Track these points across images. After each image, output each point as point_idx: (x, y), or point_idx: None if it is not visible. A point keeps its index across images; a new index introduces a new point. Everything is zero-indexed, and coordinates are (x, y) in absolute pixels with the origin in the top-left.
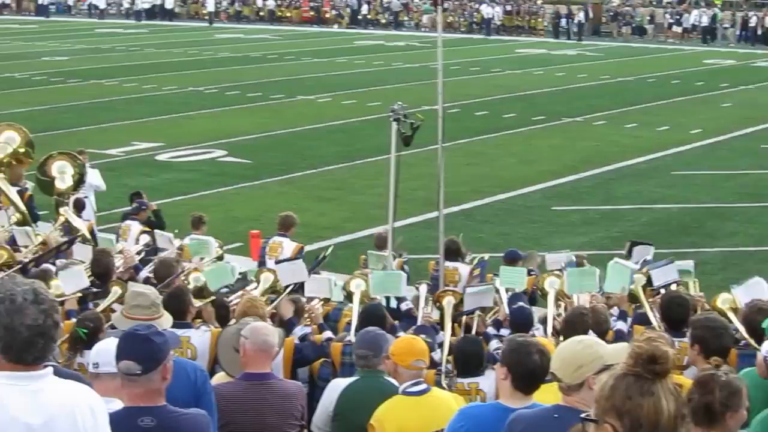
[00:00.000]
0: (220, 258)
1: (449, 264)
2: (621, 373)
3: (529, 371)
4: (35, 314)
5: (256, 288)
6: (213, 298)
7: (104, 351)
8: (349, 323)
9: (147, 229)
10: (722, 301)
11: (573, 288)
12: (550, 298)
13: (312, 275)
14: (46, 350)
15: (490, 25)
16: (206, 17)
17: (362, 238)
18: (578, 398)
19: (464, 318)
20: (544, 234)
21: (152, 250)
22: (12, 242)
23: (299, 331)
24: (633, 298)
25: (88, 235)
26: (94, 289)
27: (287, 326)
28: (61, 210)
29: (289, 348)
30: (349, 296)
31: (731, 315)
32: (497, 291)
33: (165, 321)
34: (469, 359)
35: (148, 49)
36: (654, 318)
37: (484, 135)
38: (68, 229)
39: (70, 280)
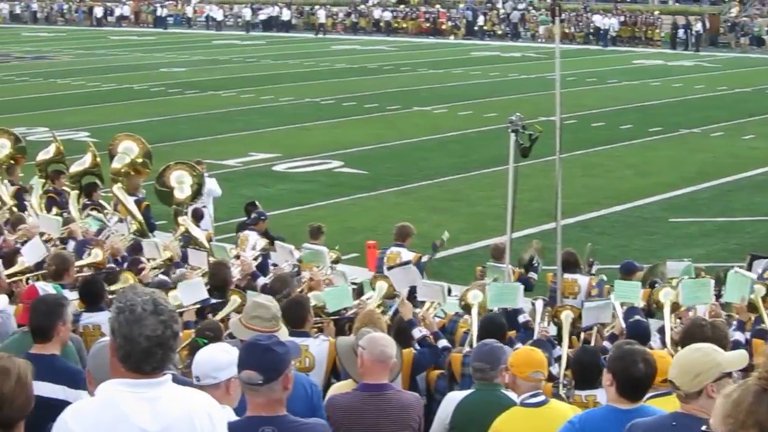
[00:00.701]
0: (336, 261)
1: (568, 276)
2: (760, 389)
3: (633, 379)
4: (154, 325)
5: (370, 298)
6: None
7: (202, 363)
8: (466, 333)
9: (266, 240)
10: None
11: (688, 300)
12: (666, 310)
13: (424, 281)
14: (164, 360)
15: (607, 36)
16: (325, 30)
17: (478, 249)
18: (697, 406)
19: (582, 333)
20: (661, 246)
21: (268, 255)
22: (132, 251)
23: (418, 332)
24: (752, 308)
25: (206, 245)
26: (213, 300)
27: (407, 326)
28: (180, 220)
29: (408, 358)
30: (466, 308)
31: None
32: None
33: (282, 335)
34: (586, 371)
35: (265, 61)
36: None
37: (601, 146)
38: (187, 238)
39: (188, 292)
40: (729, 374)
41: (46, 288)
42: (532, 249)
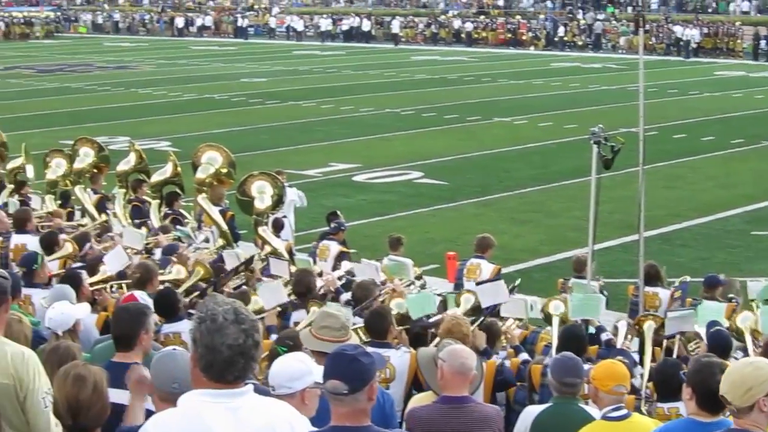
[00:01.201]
0: (419, 277)
1: (649, 289)
2: None
3: (712, 391)
4: (236, 334)
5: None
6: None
7: (277, 373)
8: (547, 346)
9: (345, 249)
10: None
11: (767, 326)
12: (747, 337)
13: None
14: (246, 369)
15: (689, 47)
16: (403, 39)
17: (558, 261)
18: (750, 421)
19: (665, 343)
20: (744, 259)
21: (352, 272)
22: (215, 261)
23: (496, 359)
24: None
25: (286, 255)
26: (294, 299)
27: (484, 353)
28: (260, 230)
29: (491, 370)
30: (547, 318)
31: None
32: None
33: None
34: (668, 383)
35: (346, 71)
36: None
37: (683, 158)
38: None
39: (269, 295)
40: None
41: (144, 297)
42: (733, 287)
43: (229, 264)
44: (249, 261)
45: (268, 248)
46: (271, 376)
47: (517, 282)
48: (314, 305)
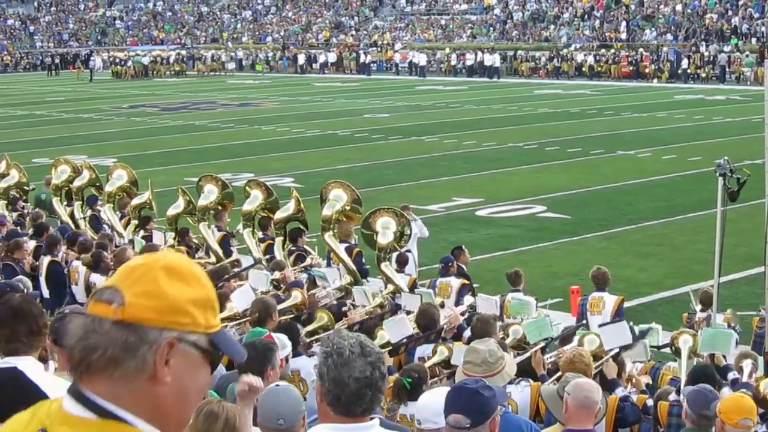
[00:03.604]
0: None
1: None
2: None
3: None
4: (363, 366)
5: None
6: (541, 346)
7: (424, 407)
8: (673, 379)
9: (466, 282)
10: None
11: None
12: None
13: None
14: (374, 402)
15: None
16: (527, 75)
17: (683, 295)
18: None
19: None
20: None
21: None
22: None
23: (621, 392)
24: None
25: (406, 290)
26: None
27: (610, 386)
28: (382, 266)
29: (613, 405)
30: (676, 352)
31: None
32: None
33: (503, 375)
34: None
35: (468, 106)
36: None
37: None
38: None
39: (395, 329)
40: None
41: (281, 337)
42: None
43: (358, 301)
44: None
45: (391, 286)
46: (419, 410)
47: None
48: (442, 345)
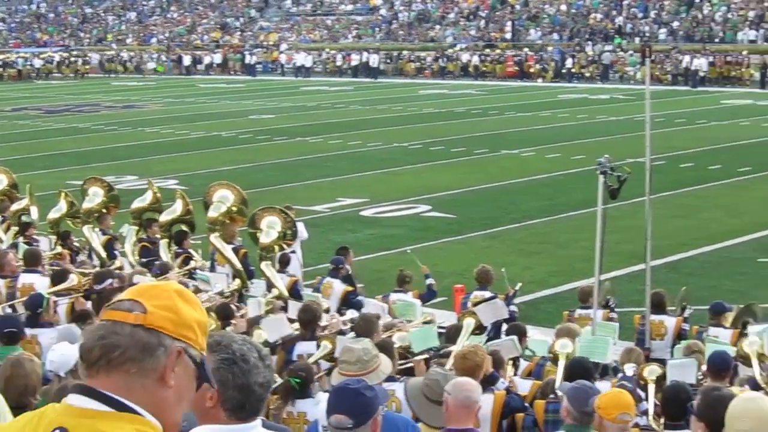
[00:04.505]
0: (428, 322)
1: (655, 317)
2: None
3: None
4: (264, 371)
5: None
6: (425, 356)
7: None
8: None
9: (351, 288)
10: None
11: None
12: (755, 362)
13: (493, 341)
14: (263, 404)
15: (696, 77)
16: (412, 75)
17: (566, 292)
18: None
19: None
20: (752, 287)
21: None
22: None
23: (502, 384)
24: None
25: (285, 293)
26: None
27: (490, 379)
28: (262, 265)
29: (499, 401)
30: (554, 359)
31: None
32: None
33: (378, 373)
34: (677, 405)
35: (353, 106)
36: None
37: (690, 187)
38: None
39: (273, 328)
40: None
41: None
42: (606, 290)
43: (252, 312)
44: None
45: (275, 290)
46: (323, 415)
47: (518, 286)
48: (326, 340)
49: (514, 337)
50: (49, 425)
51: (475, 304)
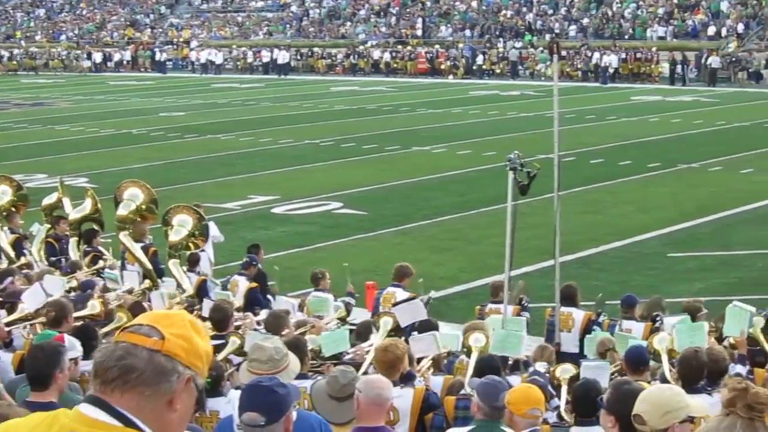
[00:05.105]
0: (342, 318)
1: (564, 309)
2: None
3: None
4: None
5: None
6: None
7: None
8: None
9: (255, 285)
10: None
11: (683, 344)
12: (664, 357)
13: (414, 334)
14: None
15: (606, 73)
16: (323, 72)
17: (478, 288)
18: None
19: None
20: (661, 281)
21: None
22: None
23: (419, 383)
24: (752, 341)
25: (191, 291)
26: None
27: (408, 375)
28: (170, 263)
29: (419, 396)
30: (468, 352)
31: None
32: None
33: (288, 372)
34: (587, 403)
35: (264, 103)
36: None
37: (600, 183)
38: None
39: None
40: (692, 420)
41: (71, 339)
42: (520, 289)
43: (156, 306)
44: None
45: (186, 285)
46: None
47: (432, 294)
48: (234, 335)
49: (435, 333)
50: (62, 428)
51: (395, 304)
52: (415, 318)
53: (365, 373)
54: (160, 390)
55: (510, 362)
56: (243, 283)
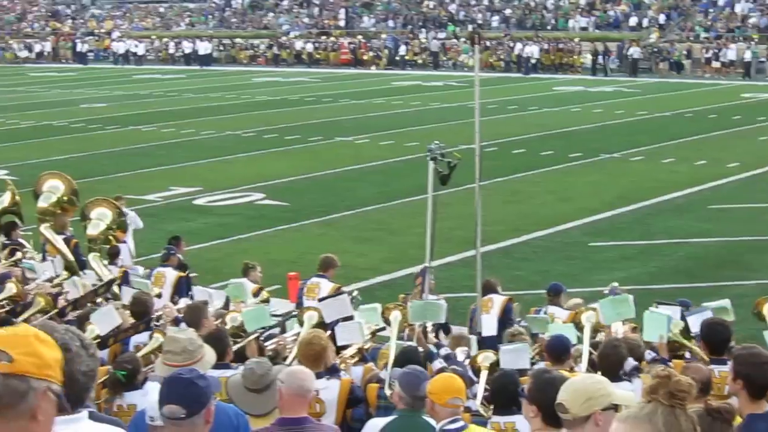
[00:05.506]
0: (264, 302)
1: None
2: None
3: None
4: (87, 360)
5: (296, 333)
6: (256, 335)
7: (157, 402)
8: (386, 364)
9: (182, 274)
10: None
11: (609, 318)
12: (586, 332)
13: (341, 323)
14: (86, 394)
15: (528, 64)
16: (246, 62)
17: (401, 278)
18: None
19: None
20: (582, 270)
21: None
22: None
23: (345, 375)
24: (673, 346)
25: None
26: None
27: (333, 368)
28: (90, 257)
29: (346, 388)
30: (387, 322)
31: None
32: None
33: (203, 363)
34: (505, 394)
35: (186, 95)
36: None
37: (522, 173)
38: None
39: (103, 322)
40: (615, 408)
41: None
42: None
43: (72, 294)
44: (109, 284)
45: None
46: (151, 408)
47: (355, 293)
48: (157, 332)
49: (361, 321)
50: None
51: (321, 299)
52: (341, 314)
53: (290, 364)
54: (19, 409)
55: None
56: (170, 273)
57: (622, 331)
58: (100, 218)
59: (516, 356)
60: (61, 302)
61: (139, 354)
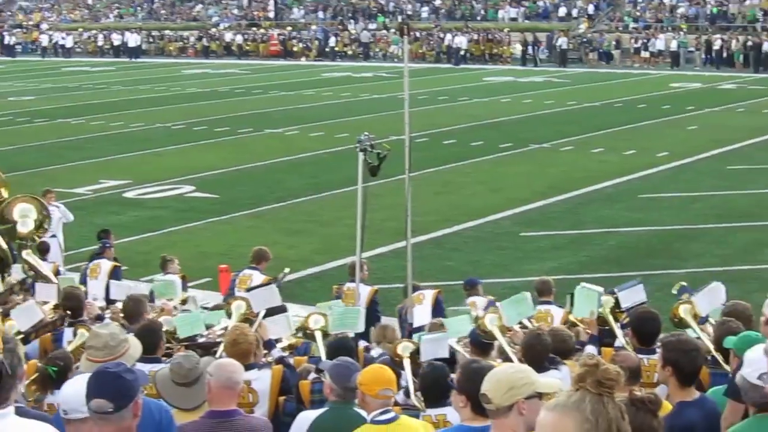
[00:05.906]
0: (184, 302)
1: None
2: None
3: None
4: (4, 354)
5: (225, 324)
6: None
7: (70, 396)
8: (311, 357)
9: (118, 264)
10: (684, 311)
11: (512, 319)
12: (497, 333)
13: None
14: (11, 390)
15: (458, 55)
16: (175, 54)
17: (332, 270)
18: (508, 423)
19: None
20: (513, 260)
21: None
22: None
23: (277, 353)
24: (602, 321)
25: (53, 278)
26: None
27: (267, 346)
28: (24, 254)
29: (278, 376)
30: (309, 336)
31: (693, 323)
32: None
33: (127, 357)
34: (435, 387)
35: (115, 87)
36: (622, 338)
37: (453, 163)
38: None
39: (24, 317)
40: (540, 396)
41: None
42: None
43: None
44: (22, 282)
45: (32, 273)
46: (65, 400)
47: (287, 270)
48: (82, 328)
49: (288, 314)
50: None
51: (249, 289)
52: (269, 304)
53: (219, 357)
54: None
55: None
56: (105, 264)
57: (559, 321)
58: (24, 215)
59: (436, 345)
60: None
61: (69, 349)
